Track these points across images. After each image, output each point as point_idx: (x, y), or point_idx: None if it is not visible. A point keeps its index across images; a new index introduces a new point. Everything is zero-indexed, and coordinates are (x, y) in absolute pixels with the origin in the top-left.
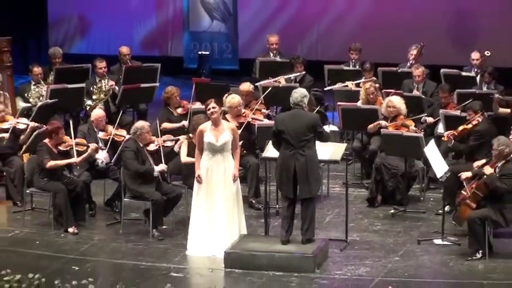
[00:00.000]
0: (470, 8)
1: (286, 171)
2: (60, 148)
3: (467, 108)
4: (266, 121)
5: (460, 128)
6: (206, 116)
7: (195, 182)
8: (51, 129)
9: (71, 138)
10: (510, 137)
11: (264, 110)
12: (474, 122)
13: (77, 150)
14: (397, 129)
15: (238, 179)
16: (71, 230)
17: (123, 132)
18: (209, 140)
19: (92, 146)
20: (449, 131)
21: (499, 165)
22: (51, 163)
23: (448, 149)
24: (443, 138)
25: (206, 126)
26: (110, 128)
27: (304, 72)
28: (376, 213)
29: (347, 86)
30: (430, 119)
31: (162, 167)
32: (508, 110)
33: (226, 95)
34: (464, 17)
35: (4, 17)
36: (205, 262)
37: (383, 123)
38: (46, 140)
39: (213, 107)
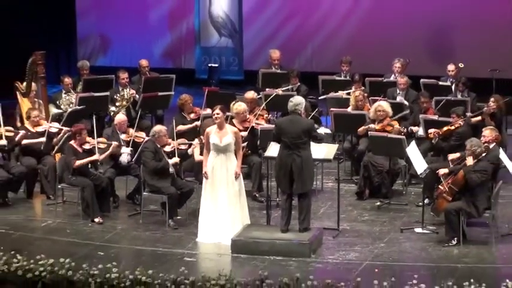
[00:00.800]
0: (446, 25)
1: (284, 169)
2: (85, 147)
3: (452, 112)
4: (267, 125)
5: (445, 128)
6: (213, 119)
7: (203, 177)
8: (74, 131)
9: (94, 138)
10: (481, 139)
11: (266, 115)
12: (457, 125)
13: (99, 148)
14: (384, 128)
15: (241, 176)
16: (96, 220)
17: (143, 134)
18: (214, 141)
19: (114, 143)
20: (435, 130)
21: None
22: (77, 163)
23: (429, 148)
24: (429, 135)
25: (212, 129)
26: (131, 130)
27: (299, 84)
28: (364, 205)
29: (339, 95)
30: (415, 128)
31: (175, 159)
32: (479, 118)
33: (234, 102)
34: (441, 33)
35: (39, 34)
36: (214, 248)
37: (371, 126)
38: (72, 142)
39: (217, 113)
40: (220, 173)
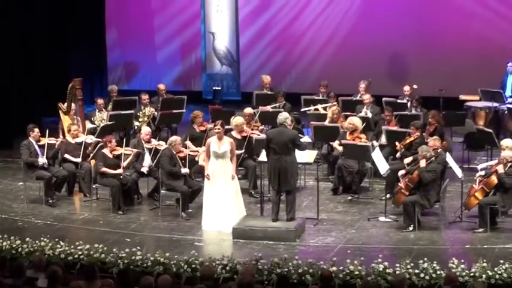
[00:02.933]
0: (403, 52)
1: (273, 171)
2: (114, 153)
3: (411, 125)
4: (261, 135)
5: (407, 140)
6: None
7: (205, 178)
8: (105, 140)
9: (122, 147)
10: (428, 145)
11: (259, 127)
12: (415, 136)
13: (125, 154)
14: (354, 139)
15: (236, 177)
16: (121, 212)
17: (163, 143)
18: (213, 149)
19: (135, 151)
20: (400, 143)
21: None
22: (102, 169)
23: (389, 153)
24: (396, 148)
25: (212, 140)
26: (153, 140)
27: (284, 102)
28: (338, 199)
29: (317, 109)
30: (376, 143)
31: (186, 171)
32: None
33: (233, 117)
34: (399, 59)
35: (77, 64)
36: (218, 235)
37: (340, 149)
38: (103, 150)
39: (218, 128)
40: (218, 175)
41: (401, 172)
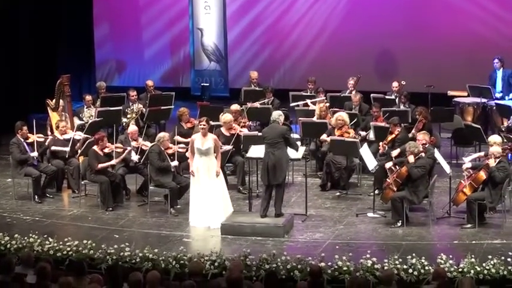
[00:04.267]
0: (391, 48)
1: (263, 164)
2: (105, 151)
3: (389, 122)
4: (249, 132)
5: (389, 138)
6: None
7: (190, 175)
8: (97, 138)
9: (112, 144)
10: (417, 142)
11: (247, 123)
12: (396, 132)
13: (116, 152)
14: (342, 135)
15: (222, 173)
16: (110, 208)
17: (148, 143)
18: (197, 146)
19: (128, 149)
20: (382, 142)
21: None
22: (99, 166)
23: (377, 149)
24: (379, 148)
25: (196, 136)
26: (140, 139)
27: (273, 98)
28: (326, 195)
29: (306, 104)
30: (363, 133)
31: (175, 163)
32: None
33: (222, 113)
34: (387, 55)
35: (65, 60)
36: (206, 231)
37: (328, 139)
38: (94, 147)
39: (204, 124)
40: (202, 171)
41: (388, 164)
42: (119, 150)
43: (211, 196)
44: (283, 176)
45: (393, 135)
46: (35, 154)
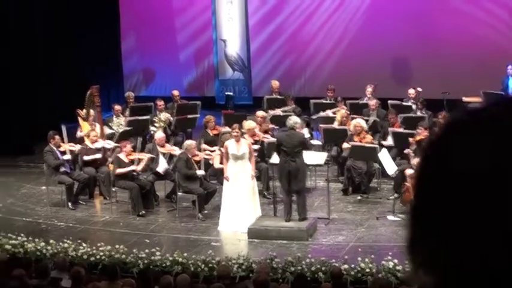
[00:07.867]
0: (407, 56)
1: (283, 172)
2: (130, 157)
3: (419, 124)
4: (272, 139)
5: (417, 138)
6: (231, 135)
7: (224, 180)
8: (121, 145)
9: (138, 152)
10: None
11: (270, 126)
12: (423, 136)
13: (139, 159)
14: (361, 141)
15: (255, 177)
16: (141, 213)
17: (176, 148)
18: (232, 152)
19: (149, 155)
20: (412, 139)
21: None
22: (117, 171)
23: (397, 154)
24: (410, 141)
25: (230, 142)
26: (167, 145)
27: (294, 106)
28: (348, 199)
29: (327, 114)
30: (385, 143)
31: (202, 172)
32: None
33: (245, 121)
34: (403, 63)
35: (95, 72)
36: (233, 235)
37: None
38: (119, 154)
39: (236, 131)
40: (239, 176)
41: (409, 171)
42: (142, 157)
43: (244, 200)
44: (305, 182)
45: (421, 137)
46: (68, 157)
